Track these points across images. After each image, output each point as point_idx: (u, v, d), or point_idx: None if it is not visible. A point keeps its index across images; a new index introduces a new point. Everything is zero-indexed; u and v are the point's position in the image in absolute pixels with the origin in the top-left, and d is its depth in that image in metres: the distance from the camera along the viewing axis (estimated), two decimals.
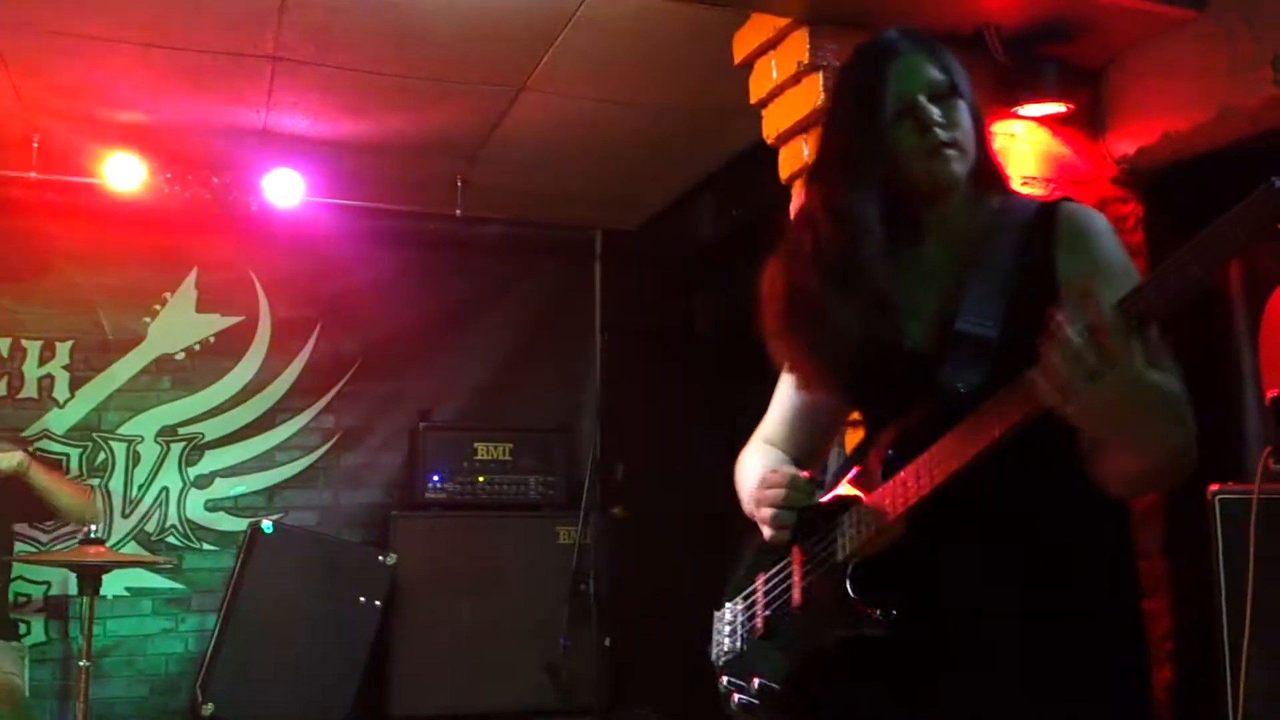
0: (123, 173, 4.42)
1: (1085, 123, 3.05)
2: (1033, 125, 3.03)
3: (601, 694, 4.93)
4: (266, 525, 4.62)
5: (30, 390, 4.90)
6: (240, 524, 4.94)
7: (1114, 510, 1.53)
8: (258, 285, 5.24)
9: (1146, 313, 1.22)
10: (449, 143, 4.45)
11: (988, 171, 1.63)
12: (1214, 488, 2.43)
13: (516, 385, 5.51)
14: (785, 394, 1.85)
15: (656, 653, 5.00)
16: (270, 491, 5.19)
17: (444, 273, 5.45)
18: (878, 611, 1.48)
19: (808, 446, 1.85)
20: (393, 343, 5.37)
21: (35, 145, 4.30)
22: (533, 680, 4.80)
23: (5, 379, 4.86)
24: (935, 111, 1.55)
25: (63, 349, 4.95)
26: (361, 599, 4.57)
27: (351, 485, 5.30)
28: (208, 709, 4.24)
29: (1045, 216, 1.58)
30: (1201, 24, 2.74)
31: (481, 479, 5.05)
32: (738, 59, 3.07)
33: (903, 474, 1.48)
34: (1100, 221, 1.58)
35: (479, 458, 5.07)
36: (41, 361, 4.92)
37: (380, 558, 4.67)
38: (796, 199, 3.00)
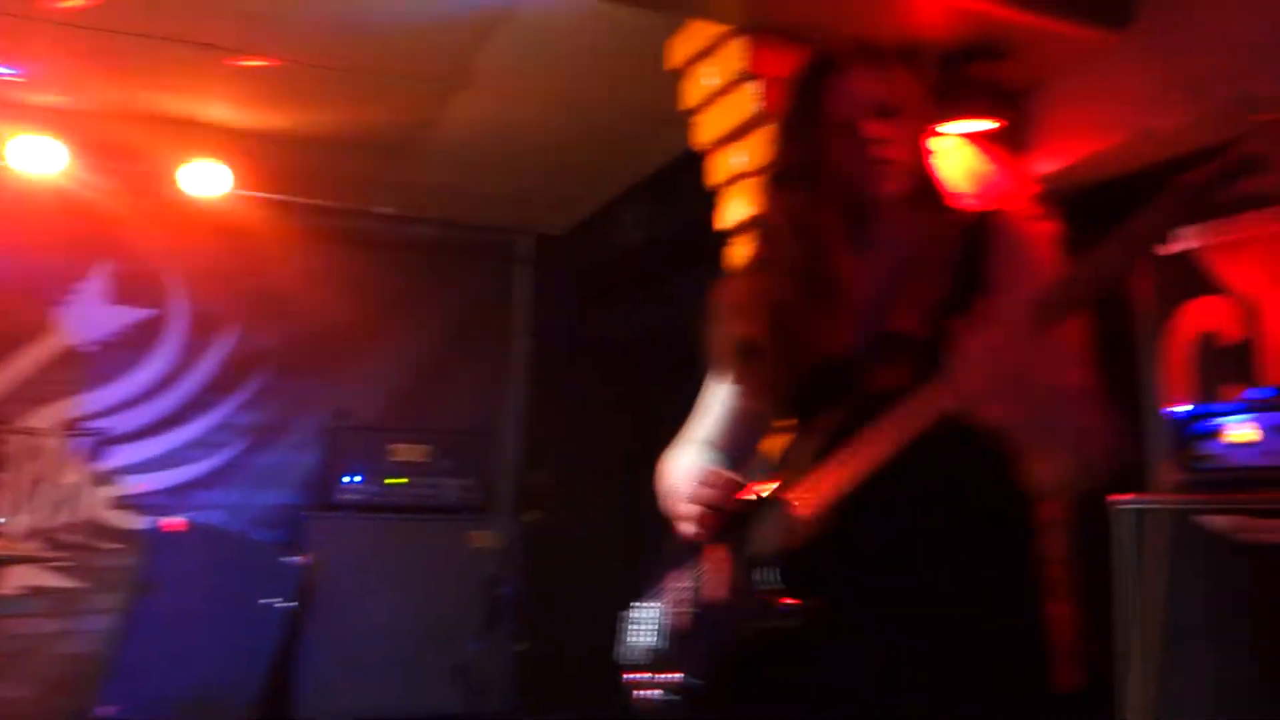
0: (35, 156, 4.28)
1: (1010, 141, 3.14)
2: (960, 141, 3.10)
3: (512, 699, 4.90)
4: (172, 523, 4.50)
5: None
6: (146, 522, 4.79)
7: (1024, 511, 1.59)
8: (175, 277, 5.11)
9: (1064, 304, 1.27)
10: (380, 139, 4.40)
11: (929, 185, 1.68)
12: (1115, 498, 2.51)
13: (437, 387, 5.46)
14: (724, 397, 1.86)
15: (571, 658, 4.98)
16: (179, 489, 5.05)
17: (369, 271, 5.37)
18: (797, 604, 1.50)
19: (745, 448, 1.87)
20: (312, 340, 5.28)
21: None
22: (443, 685, 4.75)
23: None
24: (878, 127, 1.59)
25: None
26: (270, 600, 4.49)
27: (264, 484, 5.19)
28: (107, 711, 4.11)
29: (984, 225, 1.62)
30: (1122, 49, 2.83)
31: (397, 480, 4.99)
32: (671, 65, 3.09)
33: (823, 471, 1.51)
34: (1041, 230, 1.63)
35: (396, 459, 5.02)
36: None
37: (291, 558, 4.59)
38: (725, 206, 3.03)
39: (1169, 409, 2.51)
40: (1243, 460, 2.30)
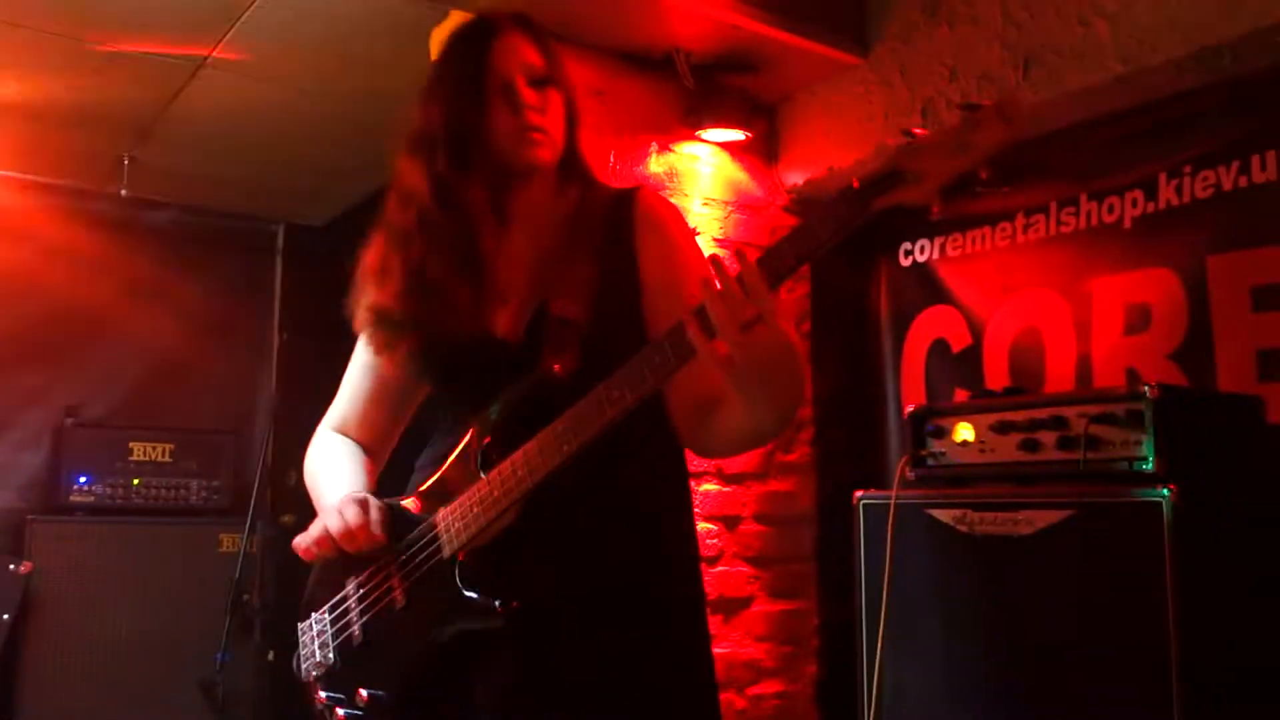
0: None
1: (762, 151, 3.25)
2: (715, 149, 3.20)
3: (262, 711, 4.69)
4: None
5: None
6: None
7: (684, 489, 1.65)
8: None
9: (781, 269, 1.30)
10: (117, 117, 4.10)
11: (575, 161, 1.68)
12: (859, 494, 2.65)
13: (182, 383, 5.13)
14: (359, 376, 1.79)
15: None
16: None
17: (105, 257, 4.98)
18: (496, 602, 1.45)
19: (384, 430, 1.81)
20: (39, 330, 4.83)
21: None
22: (185, 699, 4.48)
23: None
24: (529, 95, 1.59)
25: None
26: None
27: None
28: None
29: (624, 204, 1.64)
30: (864, 71, 3.00)
31: (136, 481, 4.68)
32: (435, 55, 3.02)
33: (508, 462, 1.47)
34: (674, 208, 1.69)
35: (134, 458, 4.70)
36: None
37: (11, 566, 4.22)
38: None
39: (906, 411, 2.66)
40: (964, 459, 2.46)
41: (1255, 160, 2.57)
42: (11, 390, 4.81)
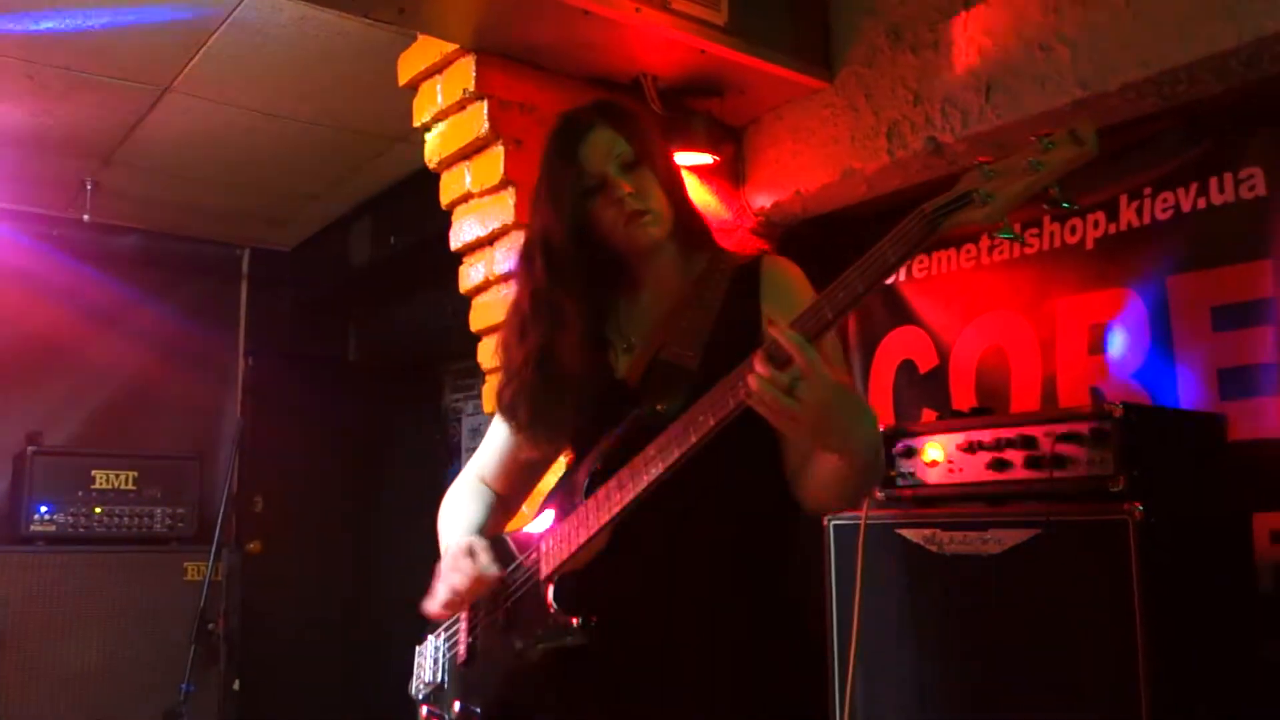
0: None
1: (729, 175, 3.27)
2: (684, 173, 3.20)
3: None
4: None
5: None
6: None
7: (790, 530, 1.70)
8: None
9: (819, 325, 1.37)
10: (79, 141, 4.07)
11: (691, 228, 1.78)
12: (828, 515, 2.65)
13: (145, 409, 5.09)
14: (501, 433, 1.91)
15: (289, 696, 4.76)
16: None
17: (66, 283, 4.94)
18: (578, 620, 1.55)
19: (520, 486, 1.95)
20: (5, 355, 4.80)
21: None
22: None
23: None
24: (624, 184, 1.68)
25: None
26: None
27: None
28: None
29: (751, 266, 1.74)
30: (829, 95, 3.02)
31: (99, 510, 4.62)
32: (403, 80, 3.03)
33: (604, 489, 1.57)
34: (797, 270, 1.77)
35: (97, 486, 4.64)
36: None
37: None
38: (456, 226, 3.00)
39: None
40: (933, 479, 2.47)
41: (1214, 182, 2.60)
42: None
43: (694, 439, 1.45)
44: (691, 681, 1.57)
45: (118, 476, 4.70)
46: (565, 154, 1.73)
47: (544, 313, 1.72)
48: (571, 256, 1.71)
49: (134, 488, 4.74)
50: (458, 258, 3.03)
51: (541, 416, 1.73)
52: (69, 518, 4.57)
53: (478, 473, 1.94)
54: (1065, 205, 1.32)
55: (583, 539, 1.58)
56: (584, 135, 1.72)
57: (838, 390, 1.38)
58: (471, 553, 1.67)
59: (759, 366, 1.36)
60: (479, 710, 1.67)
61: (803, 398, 1.34)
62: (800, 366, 1.34)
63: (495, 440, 1.93)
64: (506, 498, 1.94)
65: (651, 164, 1.73)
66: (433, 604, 1.70)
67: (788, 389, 1.34)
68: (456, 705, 1.69)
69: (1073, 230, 2.89)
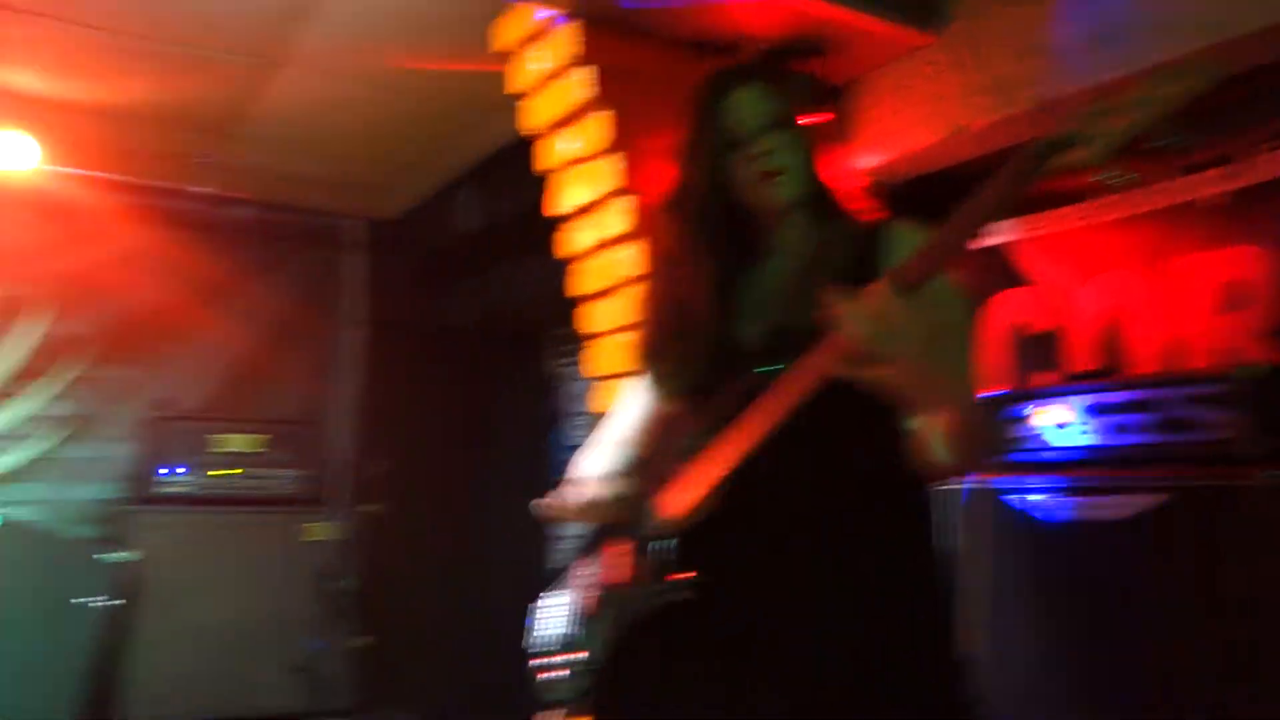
0: None
1: (833, 135, 3.21)
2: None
3: (353, 696, 4.80)
4: None
5: None
6: None
7: (912, 495, 1.68)
8: None
9: (921, 272, 1.41)
10: (198, 116, 4.20)
11: (822, 194, 1.77)
12: (950, 479, 2.60)
13: (264, 375, 5.26)
14: (636, 393, 1.94)
15: (414, 652, 4.90)
16: None
17: (190, 254, 5.11)
18: (686, 577, 1.61)
19: (653, 443, 1.94)
20: (131, 326, 5.00)
21: None
22: (282, 683, 4.60)
23: None
24: (762, 143, 1.70)
25: None
26: (90, 599, 4.27)
27: (78, 479, 4.90)
28: None
29: (875, 232, 1.73)
30: (935, 51, 2.93)
31: (225, 472, 4.81)
32: (497, 47, 3.03)
33: (713, 449, 1.61)
34: (919, 234, 1.72)
35: (223, 450, 4.83)
36: None
37: (112, 556, 4.37)
38: (555, 192, 3.00)
39: (987, 394, 2.61)
40: (1057, 442, 2.41)
41: None
42: (108, 385, 4.97)
43: (794, 397, 1.49)
44: (807, 636, 1.57)
45: (241, 440, 4.88)
46: (711, 108, 1.75)
47: (684, 263, 1.78)
48: (711, 210, 1.76)
49: (258, 451, 4.91)
50: (555, 224, 3.04)
51: (677, 369, 1.78)
52: (198, 479, 4.76)
53: (614, 434, 1.99)
54: (1172, 144, 1.29)
55: (697, 495, 1.62)
56: (732, 90, 1.74)
57: (937, 330, 1.41)
58: (600, 490, 1.79)
59: (850, 308, 1.39)
60: (594, 662, 1.73)
61: (900, 345, 1.38)
62: (884, 321, 1.37)
63: (630, 400, 1.96)
64: (640, 455, 1.95)
65: (793, 127, 1.73)
66: (550, 499, 1.85)
67: (883, 337, 1.38)
68: (584, 656, 1.76)
69: (1195, 186, 2.76)
